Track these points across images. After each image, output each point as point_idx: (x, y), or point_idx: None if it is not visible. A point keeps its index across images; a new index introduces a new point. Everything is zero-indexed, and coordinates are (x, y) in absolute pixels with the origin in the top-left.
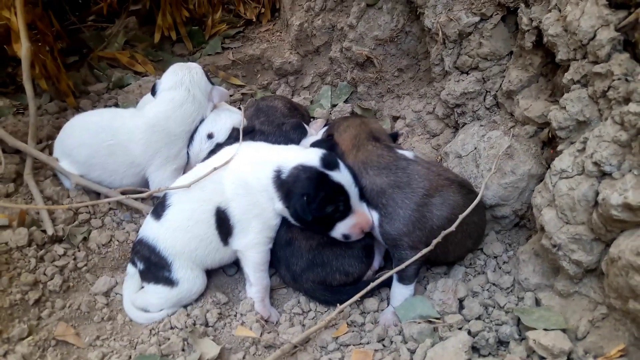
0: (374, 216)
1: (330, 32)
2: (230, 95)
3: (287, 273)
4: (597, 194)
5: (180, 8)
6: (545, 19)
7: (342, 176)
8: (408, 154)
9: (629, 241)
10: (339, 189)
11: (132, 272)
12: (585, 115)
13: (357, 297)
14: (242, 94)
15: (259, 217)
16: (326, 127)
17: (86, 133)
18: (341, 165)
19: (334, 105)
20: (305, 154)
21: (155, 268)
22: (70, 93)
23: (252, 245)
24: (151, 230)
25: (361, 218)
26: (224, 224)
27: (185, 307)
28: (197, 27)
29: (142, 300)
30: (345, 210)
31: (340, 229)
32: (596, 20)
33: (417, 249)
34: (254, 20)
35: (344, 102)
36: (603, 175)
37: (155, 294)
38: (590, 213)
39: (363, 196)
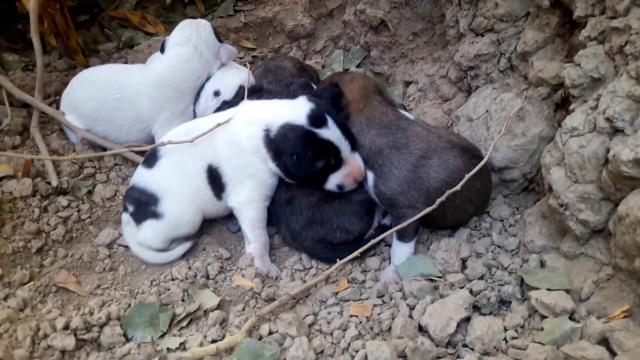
0: (369, 177)
1: None
2: (241, 58)
3: (286, 232)
4: (608, 151)
5: None
6: None
7: (329, 132)
8: (409, 115)
9: (638, 198)
10: (328, 144)
11: (126, 219)
12: (600, 72)
13: (356, 253)
14: (253, 56)
15: (253, 177)
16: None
17: (93, 87)
18: (329, 120)
19: (346, 70)
20: (292, 110)
21: (144, 205)
22: (79, 51)
23: (246, 202)
24: (142, 177)
25: (353, 168)
26: (215, 181)
27: (187, 259)
28: None
29: (140, 239)
30: (336, 162)
31: (333, 180)
32: None
33: (414, 208)
34: None
35: (356, 66)
36: (615, 132)
37: (147, 228)
38: (600, 171)
39: (355, 146)
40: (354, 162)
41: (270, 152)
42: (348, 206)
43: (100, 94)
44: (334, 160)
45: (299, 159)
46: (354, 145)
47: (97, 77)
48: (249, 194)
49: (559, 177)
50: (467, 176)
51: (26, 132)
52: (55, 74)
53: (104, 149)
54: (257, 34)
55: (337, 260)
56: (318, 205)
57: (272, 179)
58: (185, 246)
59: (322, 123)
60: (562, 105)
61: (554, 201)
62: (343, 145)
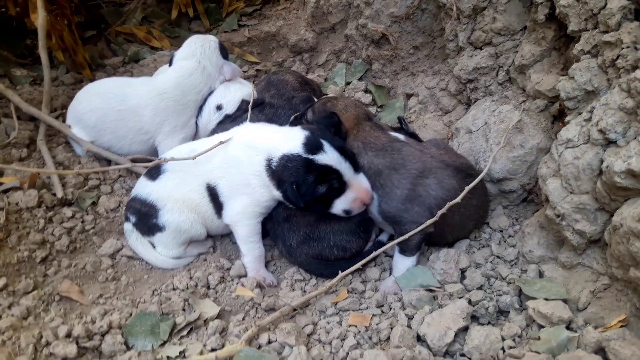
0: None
1: (346, 10)
2: (245, 72)
3: (283, 247)
4: (602, 162)
5: None
6: None
7: (327, 156)
8: (399, 135)
9: (632, 209)
10: (328, 169)
11: (129, 228)
12: (594, 84)
13: (357, 265)
14: (257, 70)
15: (248, 195)
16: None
17: (97, 98)
18: (325, 144)
19: (347, 83)
20: (288, 141)
21: (146, 217)
22: (86, 65)
23: (239, 218)
24: (144, 188)
25: (359, 191)
26: (215, 200)
27: (188, 269)
28: (215, 4)
29: (159, 252)
30: (340, 186)
31: (339, 206)
32: None
33: (418, 223)
34: None
35: (358, 79)
36: (608, 143)
37: (158, 242)
38: (595, 182)
39: (357, 167)
40: (359, 185)
41: (273, 182)
42: (345, 225)
43: (105, 105)
44: (337, 183)
45: (298, 186)
46: (357, 167)
47: (102, 89)
48: (242, 210)
49: (555, 188)
50: (468, 187)
51: (33, 144)
52: (62, 88)
53: (109, 161)
54: (260, 48)
55: (339, 272)
56: (315, 224)
57: (271, 202)
58: (191, 256)
59: (318, 149)
60: (559, 117)
61: (550, 212)
62: (344, 168)
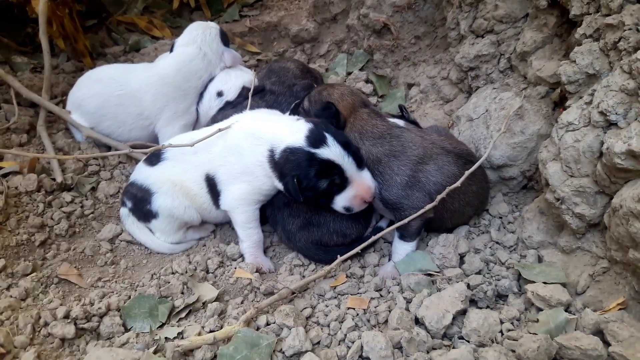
0: None
1: (348, 0)
2: (246, 62)
3: (282, 233)
4: (602, 144)
5: None
6: None
7: (330, 151)
8: (399, 121)
9: (631, 190)
10: (329, 164)
11: (125, 213)
12: (595, 67)
13: (356, 250)
14: (258, 60)
15: (249, 183)
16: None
17: (98, 84)
18: (329, 138)
19: (349, 73)
20: (292, 133)
21: (140, 202)
22: (87, 53)
23: (236, 204)
24: (142, 173)
25: (361, 188)
26: (213, 190)
27: (187, 254)
28: None
29: (157, 237)
30: (342, 182)
31: (340, 202)
32: None
33: (419, 209)
34: None
35: (359, 70)
36: (609, 125)
37: (155, 228)
38: (595, 165)
39: (361, 163)
40: (361, 182)
41: (276, 173)
42: None
43: (105, 90)
44: (339, 179)
45: (300, 181)
46: (360, 163)
47: (103, 75)
48: (240, 196)
49: (555, 172)
50: (467, 172)
51: (33, 130)
52: (62, 75)
53: (109, 147)
54: (262, 38)
55: (338, 256)
56: (316, 209)
57: (272, 190)
58: (192, 240)
59: (321, 143)
60: (560, 104)
61: (550, 195)
62: (346, 163)
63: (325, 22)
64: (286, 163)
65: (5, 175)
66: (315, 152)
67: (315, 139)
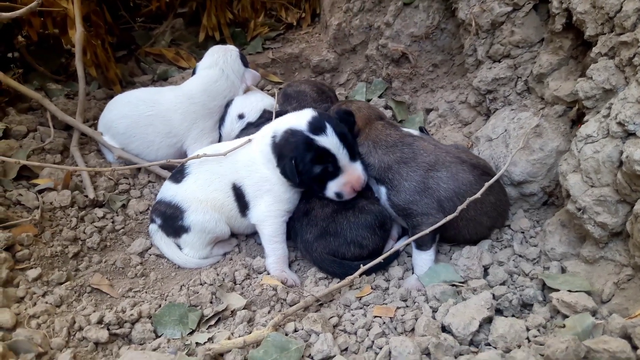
0: (382, 191)
1: (367, 32)
2: (268, 91)
3: (301, 244)
4: (622, 153)
5: (225, 10)
6: None
7: (327, 140)
8: (413, 131)
9: None
10: (325, 151)
11: (154, 229)
12: (612, 83)
13: (379, 259)
14: (279, 88)
15: (270, 192)
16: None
17: (128, 106)
18: (328, 128)
19: (368, 100)
20: (295, 118)
21: (171, 219)
22: (117, 82)
23: (264, 217)
24: (169, 191)
25: (352, 177)
26: (240, 199)
27: (215, 267)
28: (240, 28)
29: (186, 253)
30: (334, 170)
31: (332, 188)
32: None
33: (428, 215)
34: (295, 24)
35: (379, 97)
36: (627, 135)
37: (184, 243)
38: (615, 174)
39: (355, 155)
40: (352, 171)
41: (275, 156)
42: (361, 217)
43: (135, 112)
44: (332, 167)
45: (297, 163)
46: (353, 155)
47: (133, 97)
48: (267, 209)
49: (576, 182)
50: (488, 183)
51: (66, 151)
52: (94, 101)
53: (138, 169)
54: (283, 69)
55: (361, 265)
56: (332, 217)
57: (289, 192)
58: (217, 256)
59: (320, 131)
60: (578, 121)
61: (572, 206)
62: (341, 153)
63: (345, 53)
64: (286, 144)
65: (40, 192)
66: (314, 139)
67: (316, 126)
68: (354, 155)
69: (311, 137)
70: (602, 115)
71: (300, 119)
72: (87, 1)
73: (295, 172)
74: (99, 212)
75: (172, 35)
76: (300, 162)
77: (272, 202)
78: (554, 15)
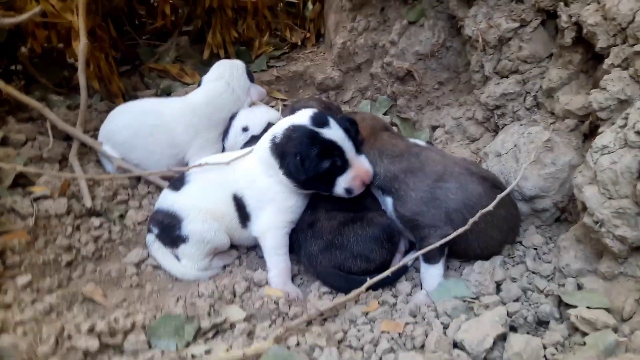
0: (388, 201)
1: (372, 50)
2: (272, 106)
3: (304, 257)
4: None
5: (230, 29)
6: (584, 10)
7: (333, 132)
8: (419, 141)
9: None
10: (332, 144)
11: (151, 239)
12: (627, 93)
13: (386, 273)
14: (284, 105)
15: (272, 202)
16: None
17: (130, 116)
18: (332, 122)
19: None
20: (296, 116)
21: (168, 229)
22: (120, 95)
23: (267, 229)
24: (167, 199)
25: (360, 170)
26: (241, 210)
27: (214, 280)
28: (245, 47)
29: (183, 264)
30: (343, 164)
31: (341, 184)
32: (635, 3)
33: (435, 227)
34: (299, 44)
35: (383, 114)
36: None
37: (182, 254)
38: (634, 185)
39: (359, 149)
40: (359, 164)
41: (277, 159)
42: (369, 229)
43: (138, 122)
44: (340, 161)
45: (302, 159)
46: (358, 148)
47: (135, 108)
48: (269, 220)
49: (592, 195)
50: (500, 195)
51: (65, 161)
52: (95, 113)
53: (138, 179)
54: (288, 86)
55: (368, 278)
56: (339, 230)
57: (292, 199)
58: (216, 268)
59: (324, 124)
60: (591, 135)
61: (588, 219)
62: (347, 146)
63: (349, 71)
64: (288, 141)
65: (36, 199)
66: (319, 132)
67: (319, 121)
68: (358, 148)
69: (316, 130)
70: (619, 125)
71: (301, 116)
72: (92, 15)
73: (302, 169)
74: (96, 221)
75: (176, 53)
76: (306, 157)
77: (274, 213)
78: (563, 29)
